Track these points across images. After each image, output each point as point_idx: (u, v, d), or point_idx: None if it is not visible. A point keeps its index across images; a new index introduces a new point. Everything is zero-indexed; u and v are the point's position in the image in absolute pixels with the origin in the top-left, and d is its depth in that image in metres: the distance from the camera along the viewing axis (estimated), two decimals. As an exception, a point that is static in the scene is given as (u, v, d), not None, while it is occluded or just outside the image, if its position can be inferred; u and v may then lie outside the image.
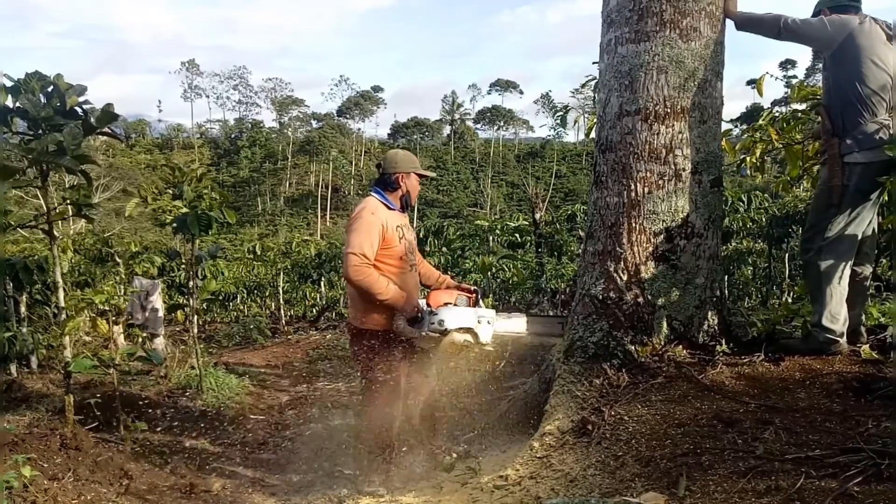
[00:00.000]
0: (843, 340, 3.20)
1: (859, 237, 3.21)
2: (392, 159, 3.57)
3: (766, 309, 7.54)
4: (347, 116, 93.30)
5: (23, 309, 5.95)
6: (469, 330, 3.39)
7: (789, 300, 8.05)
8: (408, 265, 3.54)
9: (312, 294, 15.01)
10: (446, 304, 3.45)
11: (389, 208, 3.50)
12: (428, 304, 3.44)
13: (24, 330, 5.86)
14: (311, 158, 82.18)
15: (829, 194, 3.18)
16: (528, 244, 11.39)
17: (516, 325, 3.71)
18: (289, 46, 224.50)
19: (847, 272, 3.20)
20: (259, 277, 15.24)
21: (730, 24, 3.49)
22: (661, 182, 3.35)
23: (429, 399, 3.72)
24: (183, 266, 8.87)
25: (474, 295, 3.63)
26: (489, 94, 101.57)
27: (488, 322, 3.45)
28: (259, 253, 14.48)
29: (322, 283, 14.86)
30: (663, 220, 3.36)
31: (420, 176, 3.63)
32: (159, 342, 7.03)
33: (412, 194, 3.60)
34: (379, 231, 3.35)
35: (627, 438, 2.72)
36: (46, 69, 3.75)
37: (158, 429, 4.78)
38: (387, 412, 3.44)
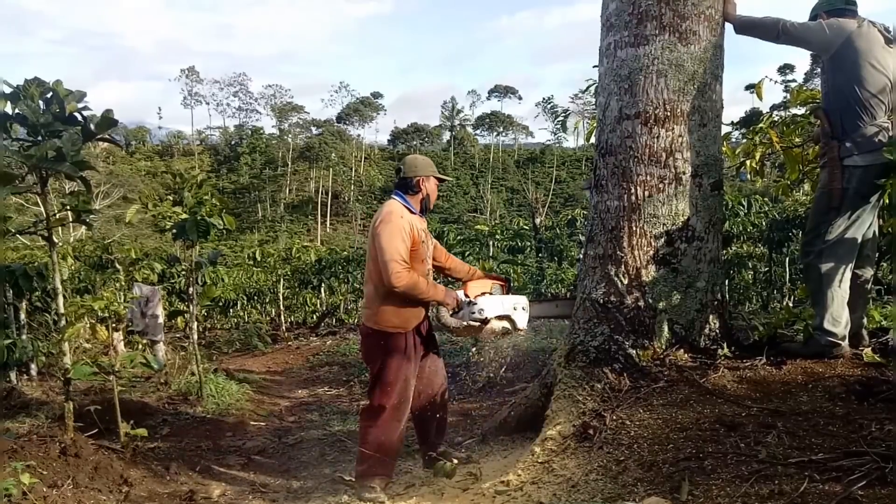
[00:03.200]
0: (845, 343, 3.19)
1: (860, 240, 3.20)
2: (412, 163, 3.62)
3: (768, 312, 7.53)
4: (347, 123, 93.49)
5: (22, 316, 5.95)
6: (507, 317, 3.50)
7: (790, 304, 8.04)
8: (426, 268, 3.58)
9: (313, 300, 15.01)
10: (483, 293, 3.55)
11: (411, 212, 3.54)
12: (466, 295, 3.53)
13: (24, 337, 5.86)
14: (311, 165, 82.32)
15: (828, 197, 3.18)
16: (529, 249, 11.40)
17: (548, 309, 3.84)
18: (288, 52, 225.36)
19: (848, 275, 3.20)
20: (259, 284, 15.25)
21: (729, 27, 3.50)
22: (661, 185, 3.35)
23: (436, 401, 3.71)
24: (183, 272, 8.87)
25: (506, 283, 3.75)
26: (488, 99, 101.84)
27: (523, 308, 3.56)
28: (259, 259, 14.48)
29: (322, 289, 14.85)
30: (664, 224, 3.35)
31: (437, 180, 3.68)
32: (159, 349, 7.03)
33: (431, 198, 3.65)
34: (409, 234, 3.40)
35: (629, 443, 2.71)
36: (46, 76, 3.75)
37: (158, 435, 4.77)
38: (393, 415, 3.44)
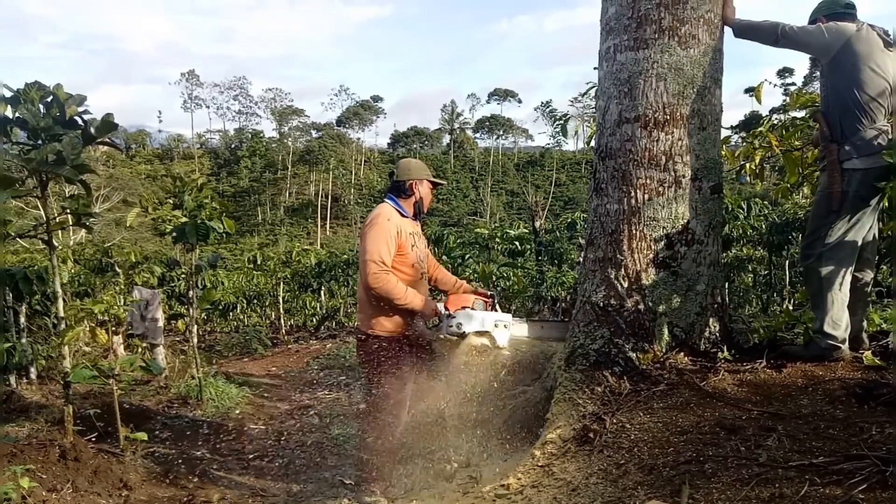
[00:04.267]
0: (846, 347, 3.19)
1: (860, 243, 3.20)
2: (405, 167, 3.62)
3: (768, 316, 7.53)
4: (347, 126, 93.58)
5: (22, 319, 5.94)
6: (486, 333, 3.45)
7: (790, 307, 8.03)
8: (419, 273, 3.56)
9: (312, 303, 14.98)
10: (464, 307, 3.50)
11: (403, 215, 3.54)
12: (446, 308, 3.49)
13: (24, 340, 5.85)
14: (311, 168, 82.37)
15: (828, 200, 3.18)
16: (529, 252, 11.40)
17: (529, 330, 3.76)
18: (288, 56, 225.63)
19: (848, 278, 3.20)
20: (259, 287, 15.21)
21: (728, 31, 3.51)
22: (661, 189, 3.35)
23: (434, 406, 3.71)
24: (183, 276, 8.87)
25: (491, 300, 3.69)
26: (488, 102, 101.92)
27: (505, 326, 3.50)
28: (259, 262, 14.49)
29: (322, 293, 14.84)
30: (664, 227, 3.36)
31: (432, 185, 3.67)
32: (159, 352, 7.02)
33: (425, 201, 3.65)
34: (394, 237, 3.38)
35: (630, 446, 2.71)
36: (48, 80, 3.76)
37: (158, 439, 4.77)
38: (391, 419, 3.43)
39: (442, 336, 3.42)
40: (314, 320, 14.41)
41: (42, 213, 3.96)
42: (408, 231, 3.48)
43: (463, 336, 3.39)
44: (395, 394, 3.43)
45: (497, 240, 11.19)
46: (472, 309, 3.51)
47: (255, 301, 15.63)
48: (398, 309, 3.39)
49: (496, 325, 3.46)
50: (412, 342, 3.52)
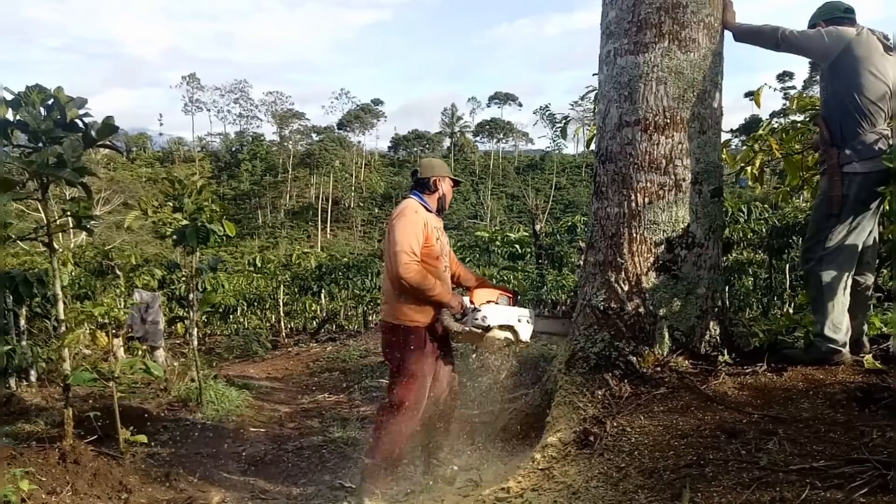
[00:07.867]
0: (846, 350, 3.18)
1: (860, 247, 3.20)
2: (429, 165, 3.71)
3: (768, 319, 7.52)
4: (348, 129, 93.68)
5: (22, 322, 5.94)
6: (510, 328, 3.50)
7: (791, 310, 8.02)
8: (443, 266, 3.61)
9: (313, 306, 14.99)
10: (489, 301, 3.56)
11: (427, 210, 3.59)
12: (471, 301, 3.54)
13: (24, 343, 5.85)
14: (312, 171, 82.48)
15: (828, 204, 3.18)
16: (529, 255, 11.41)
17: (551, 325, 3.83)
18: (289, 61, 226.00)
19: (848, 282, 3.20)
20: (259, 290, 15.23)
21: (728, 35, 3.51)
22: (661, 192, 3.35)
23: (447, 404, 3.72)
24: (183, 278, 8.87)
25: (514, 295, 3.75)
26: (488, 106, 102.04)
27: (528, 321, 3.56)
28: (259, 265, 14.52)
29: (322, 296, 14.84)
30: (664, 231, 3.36)
31: (453, 183, 3.76)
32: (159, 355, 7.02)
33: (447, 198, 3.72)
34: (422, 229, 3.44)
35: (630, 450, 2.70)
36: (50, 84, 3.76)
37: (158, 442, 4.76)
38: (411, 411, 3.43)
39: (467, 329, 3.47)
40: (314, 323, 14.42)
41: (43, 215, 3.97)
42: (433, 225, 3.53)
43: (487, 329, 3.44)
44: (419, 384, 3.44)
45: (497, 243, 11.22)
46: (497, 304, 3.57)
47: (256, 304, 15.65)
48: (424, 300, 3.43)
49: (519, 320, 3.52)
50: (436, 334, 3.55)
